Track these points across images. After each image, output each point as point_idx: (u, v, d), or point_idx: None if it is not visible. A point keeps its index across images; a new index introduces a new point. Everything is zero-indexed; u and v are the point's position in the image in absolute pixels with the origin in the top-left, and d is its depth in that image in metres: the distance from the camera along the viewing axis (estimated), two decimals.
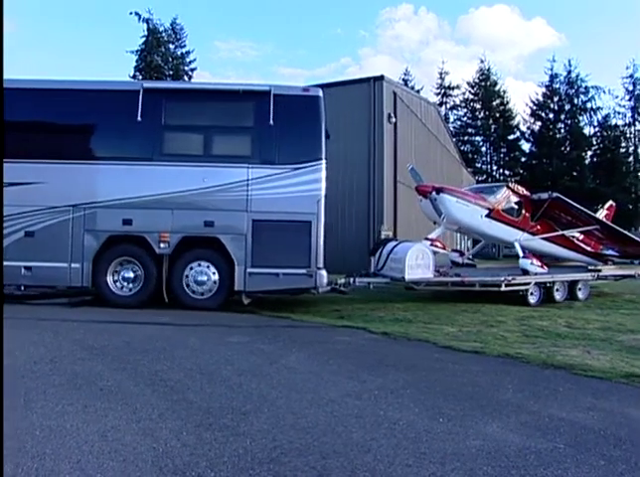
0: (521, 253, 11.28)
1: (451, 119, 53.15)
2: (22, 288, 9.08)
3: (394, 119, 18.28)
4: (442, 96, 54.30)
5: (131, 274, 8.93)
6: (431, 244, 10.90)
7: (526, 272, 11.07)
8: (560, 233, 12.19)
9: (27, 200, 8.70)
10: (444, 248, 11.74)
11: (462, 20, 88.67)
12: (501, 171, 53.48)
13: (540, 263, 11.18)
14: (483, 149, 54.38)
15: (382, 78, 17.99)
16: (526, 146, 51.24)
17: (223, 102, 9.28)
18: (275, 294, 9.83)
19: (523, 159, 51.21)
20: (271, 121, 8.76)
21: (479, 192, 11.95)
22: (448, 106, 54.28)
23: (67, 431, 3.16)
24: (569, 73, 47.36)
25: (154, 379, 4.30)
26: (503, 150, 52.97)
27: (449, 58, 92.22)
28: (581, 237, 12.58)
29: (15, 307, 8.41)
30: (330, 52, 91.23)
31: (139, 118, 8.77)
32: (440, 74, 54.57)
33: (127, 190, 8.82)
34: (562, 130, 47.84)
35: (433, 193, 10.98)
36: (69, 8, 71.67)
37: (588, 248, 12.67)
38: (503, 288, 10.43)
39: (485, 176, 52.02)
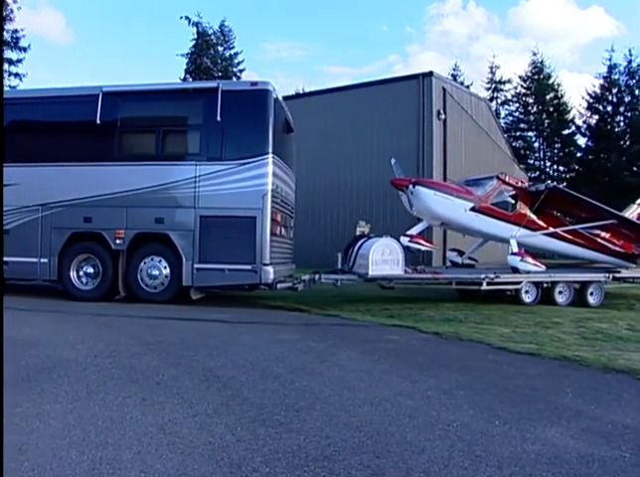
0: (516, 250, 10.57)
1: (502, 115, 51.78)
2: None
3: (443, 116, 18.01)
4: (493, 91, 52.98)
5: (92, 270, 9.33)
6: (411, 240, 10.31)
7: (516, 270, 10.39)
8: (564, 228, 11.19)
9: (6, 200, 9.06)
10: (429, 245, 10.90)
11: (513, 12, 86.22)
12: (555, 167, 51.72)
13: (533, 261, 10.42)
14: (536, 145, 52.63)
15: (431, 74, 17.76)
16: (582, 141, 49.21)
17: (175, 102, 9.52)
18: (224, 290, 10.05)
19: (578, 154, 49.24)
20: (219, 118, 8.78)
21: (467, 185, 11.18)
22: (499, 101, 52.91)
23: (127, 423, 3.27)
24: (630, 62, 45.08)
25: (208, 374, 4.39)
26: (557, 145, 51.07)
27: (500, 52, 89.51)
28: (605, 234, 11.44)
29: (75, 303, 8.80)
30: (377, 49, 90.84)
31: (98, 121, 9.13)
32: (491, 68, 53.30)
33: (87, 189, 9.23)
34: (622, 123, 45.66)
35: (410, 186, 10.41)
36: (123, 15, 74.27)
37: (616, 248, 11.47)
38: (485, 287, 9.89)
39: (538, 173, 50.42)
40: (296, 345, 5.83)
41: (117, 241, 9.10)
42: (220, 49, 41.27)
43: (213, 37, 40.75)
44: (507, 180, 11.17)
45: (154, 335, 6.19)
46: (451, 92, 19.29)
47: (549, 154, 52.32)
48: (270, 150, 8.92)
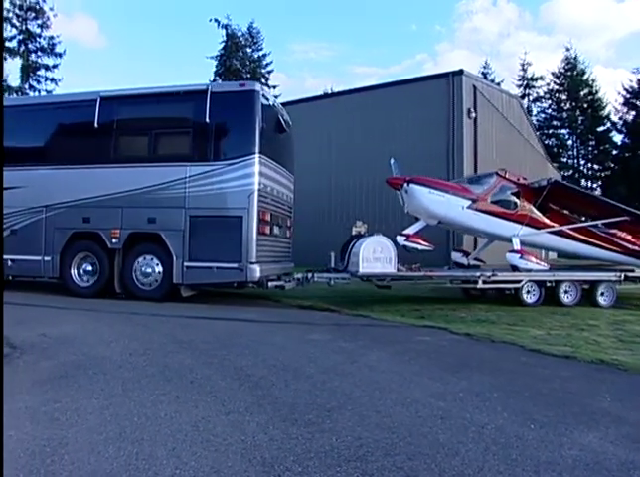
0: (517, 248, 10.20)
1: (534, 112, 50.87)
2: (10, 278, 10.28)
3: (474, 114, 17.76)
4: (524, 89, 52.07)
5: (91, 268, 9.72)
6: (407, 240, 10.11)
7: (515, 269, 10.07)
8: (572, 226, 10.72)
9: (12, 202, 9.69)
10: (427, 245, 10.37)
11: (545, 8, 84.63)
12: (589, 165, 50.51)
13: (535, 259, 10.10)
14: (569, 143, 51.49)
15: (461, 72, 17.54)
16: (618, 138, 47.93)
17: (167, 105, 9.76)
18: (214, 287, 10.24)
19: (614, 152, 47.91)
20: (207, 119, 8.99)
21: (468, 183, 10.90)
22: (531, 99, 51.99)
23: (161, 420, 3.32)
24: None
25: (240, 373, 4.43)
26: (592, 143, 49.82)
27: (531, 48, 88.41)
28: (623, 233, 10.86)
29: (110, 302, 9.00)
30: (405, 48, 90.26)
31: (96, 125, 9.54)
32: (522, 65, 52.39)
33: (86, 191, 9.58)
34: None
35: (405, 185, 10.16)
36: (153, 19, 75.59)
37: (635, 248, 10.86)
38: (480, 285, 9.64)
39: (572, 171, 49.31)
40: (327, 345, 5.83)
41: (113, 241, 9.43)
42: (248, 50, 41.63)
43: (241, 38, 41.14)
44: (507, 176, 10.86)
45: (187, 334, 6.28)
46: (482, 91, 19.01)
47: (583, 152, 51.12)
48: (257, 150, 9.01)
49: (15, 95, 31.33)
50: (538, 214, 10.69)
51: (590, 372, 4.92)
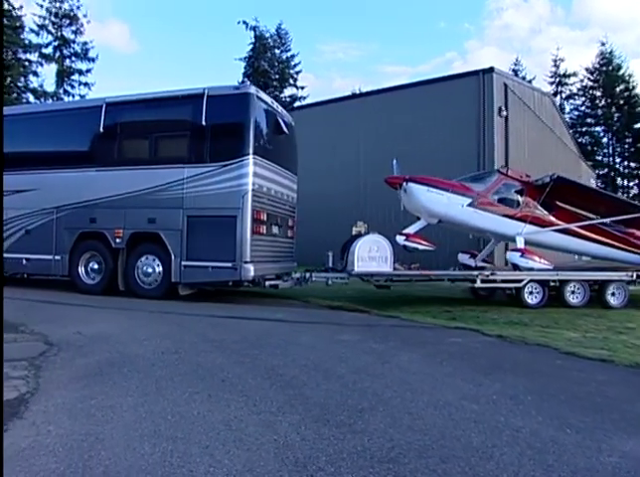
0: (520, 247, 9.89)
1: (567, 109, 49.79)
2: (25, 276, 11.06)
3: (504, 113, 17.50)
4: (557, 86, 50.98)
5: (97, 266, 10.13)
6: (407, 239, 9.95)
7: (516, 267, 9.76)
8: (580, 224, 10.28)
9: (27, 204, 10.49)
10: (427, 244, 10.16)
11: (578, 2, 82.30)
12: (626, 163, 49.15)
13: (538, 258, 9.74)
14: (604, 140, 50.26)
15: (491, 69, 17.30)
16: None
17: (167, 109, 10.04)
18: (211, 286, 10.42)
19: None
20: (204, 122, 9.25)
21: (470, 181, 10.59)
22: (564, 96, 50.90)
23: (194, 418, 3.36)
24: None
25: (271, 373, 4.45)
26: (628, 140, 48.47)
27: (564, 44, 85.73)
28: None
29: (141, 301, 9.15)
30: (434, 47, 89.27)
31: (101, 129, 10.02)
32: (554, 61, 51.30)
33: (93, 192, 10.00)
34: None
35: (404, 184, 10.00)
36: (183, 23, 76.72)
37: None
38: (479, 284, 9.41)
39: (607, 169, 48.06)
40: (357, 346, 5.82)
41: (117, 240, 9.80)
42: (277, 51, 41.86)
43: (270, 40, 41.39)
44: (509, 174, 10.58)
45: (217, 333, 6.36)
46: (513, 88, 18.71)
47: (619, 150, 49.79)
48: (251, 151, 9.13)
49: (51, 100, 32.23)
50: (543, 212, 10.38)
51: (628, 376, 4.78)
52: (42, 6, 34.61)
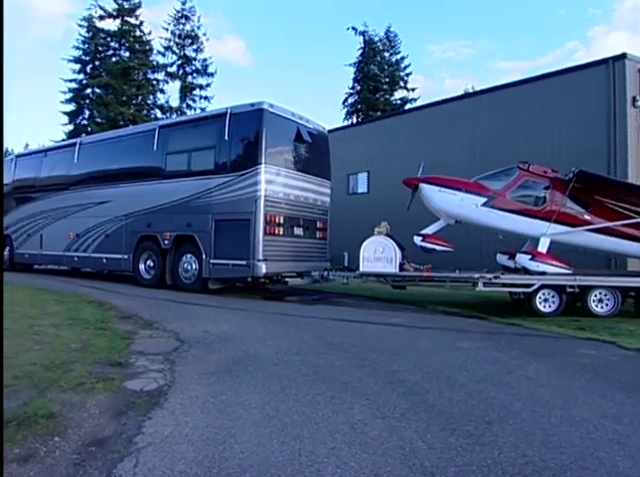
0: (543, 251, 9.00)
1: None
2: (105, 272, 13.90)
3: None
4: None
5: (152, 263, 11.90)
6: (424, 240, 9.65)
7: (526, 271, 8.82)
8: (618, 223, 9.04)
9: (106, 213, 12.84)
10: (445, 245, 9.75)
11: None
12: None
13: (553, 261, 8.75)
14: None
15: (623, 56, 15.80)
16: None
17: (201, 127, 11.62)
18: (233, 282, 11.55)
19: None
20: (227, 137, 10.61)
21: (484, 179, 9.77)
22: None
23: (319, 419, 3.42)
24: None
25: (392, 378, 4.42)
26: None
27: None
28: None
29: (259, 302, 9.55)
30: (552, 38, 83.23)
31: (155, 148, 11.91)
32: None
33: (150, 202, 11.87)
34: None
35: (419, 185, 9.78)
36: (294, 33, 79.30)
37: None
38: (481, 287, 8.68)
39: None
40: (479, 354, 5.59)
41: (165, 242, 11.50)
42: (386, 55, 41.63)
43: (379, 43, 41.30)
44: (531, 170, 9.59)
45: (335, 336, 6.44)
46: None
47: None
48: (263, 161, 10.17)
49: (175, 115, 34.82)
50: (575, 209, 9.40)
51: None
52: (167, 29, 37.58)
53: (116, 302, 8.72)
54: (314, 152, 11.75)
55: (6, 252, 15.75)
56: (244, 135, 10.58)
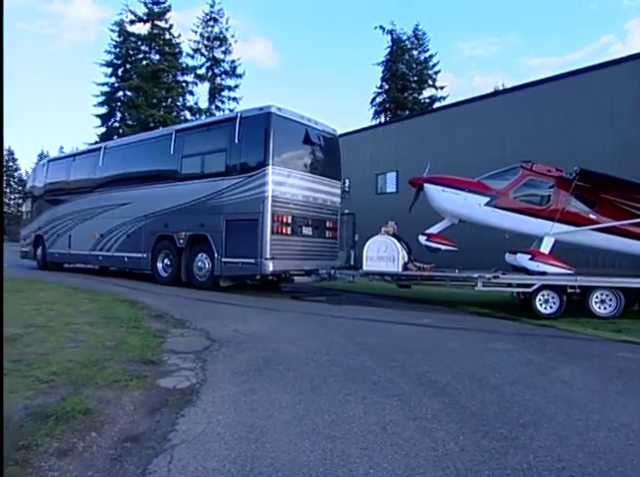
0: (546, 251, 8.93)
1: None
2: (127, 270, 14.30)
3: None
4: None
5: (169, 262, 12.34)
6: (428, 240, 9.80)
7: (526, 271, 8.71)
8: (625, 222, 8.91)
9: (128, 213, 13.34)
10: (450, 244, 9.85)
11: None
12: None
13: (554, 262, 8.66)
14: None
15: None
16: None
17: (214, 131, 11.87)
18: (241, 280, 11.72)
19: None
20: (237, 140, 10.90)
21: (487, 179, 9.70)
22: None
23: (350, 419, 3.41)
24: None
25: (423, 379, 4.38)
26: None
27: None
28: None
29: (291, 302, 9.59)
30: (585, 32, 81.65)
31: (171, 152, 12.34)
32: None
33: (166, 203, 12.29)
34: None
35: (423, 184, 9.88)
36: (321, 32, 79.31)
37: None
38: (479, 287, 8.63)
39: None
40: (511, 355, 5.50)
41: (180, 241, 11.90)
42: (414, 53, 41.33)
43: (407, 42, 41.03)
44: (534, 169, 9.46)
45: (364, 336, 6.42)
46: None
47: None
48: (270, 163, 10.39)
49: (204, 116, 35.27)
50: (580, 208, 9.30)
51: None
52: (196, 32, 38.08)
53: (148, 301, 8.88)
54: (323, 153, 11.96)
55: (39, 252, 16.79)
56: (253, 138, 10.79)
